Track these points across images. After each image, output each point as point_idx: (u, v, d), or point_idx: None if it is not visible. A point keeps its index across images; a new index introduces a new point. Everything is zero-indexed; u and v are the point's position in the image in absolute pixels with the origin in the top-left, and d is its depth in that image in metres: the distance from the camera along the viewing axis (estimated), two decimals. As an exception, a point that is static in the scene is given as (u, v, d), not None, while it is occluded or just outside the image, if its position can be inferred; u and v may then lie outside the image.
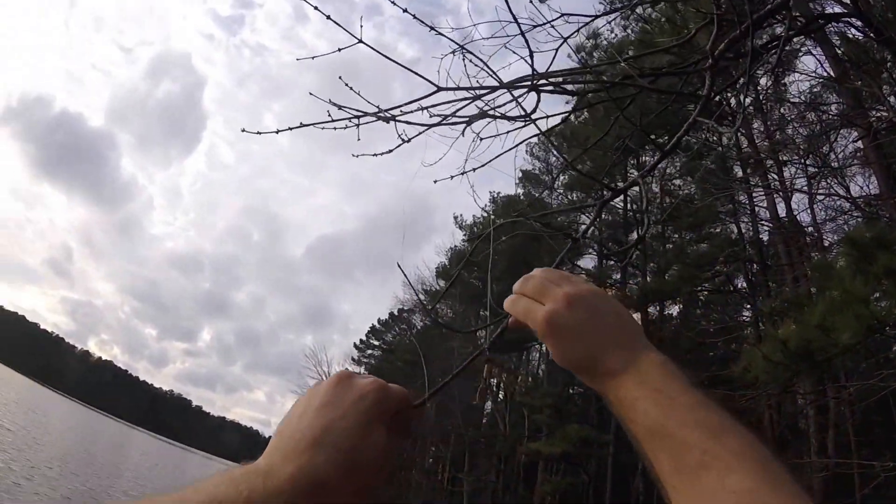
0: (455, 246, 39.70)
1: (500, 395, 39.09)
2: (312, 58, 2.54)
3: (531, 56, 2.76)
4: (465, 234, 37.32)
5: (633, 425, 0.68)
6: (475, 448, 34.89)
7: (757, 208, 18.07)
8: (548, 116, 2.96)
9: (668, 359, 0.72)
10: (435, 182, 3.04)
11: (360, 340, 57.85)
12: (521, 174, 31.93)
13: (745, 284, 20.69)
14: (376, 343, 56.20)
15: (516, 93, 2.79)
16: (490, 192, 34.52)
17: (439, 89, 2.61)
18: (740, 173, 18.04)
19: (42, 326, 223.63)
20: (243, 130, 2.43)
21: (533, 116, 2.83)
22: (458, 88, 2.68)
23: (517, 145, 3.09)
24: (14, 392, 44.32)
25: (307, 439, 0.62)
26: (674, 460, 0.61)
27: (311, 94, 2.38)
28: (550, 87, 3.15)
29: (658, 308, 25.44)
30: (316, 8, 2.27)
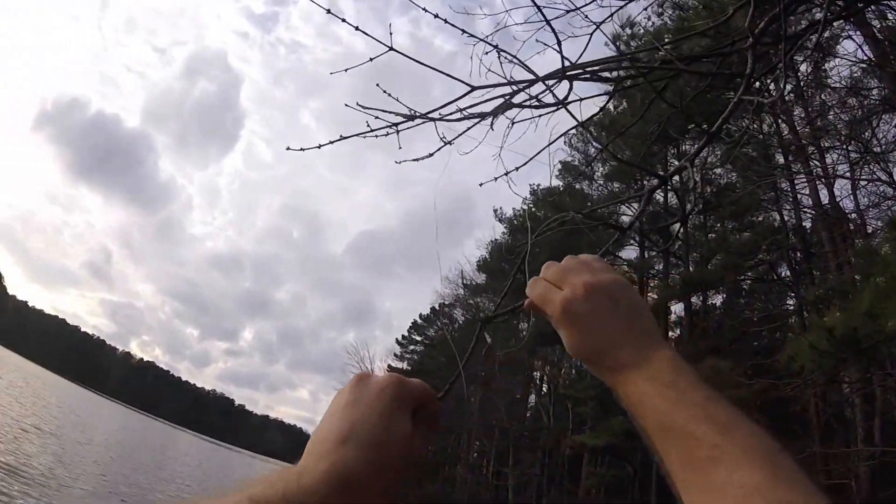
0: (495, 239, 39.66)
1: (544, 388, 39.23)
2: (346, 70, 2.55)
3: (559, 45, 2.73)
4: (505, 227, 37.24)
5: (643, 420, 0.69)
6: (519, 442, 34.92)
7: (799, 195, 17.91)
8: (581, 99, 2.92)
9: (679, 355, 0.72)
10: (481, 185, 3.05)
11: (402, 336, 58.42)
12: (560, 166, 31.81)
13: (788, 273, 20.46)
14: (418, 338, 56.64)
15: (549, 82, 2.76)
16: (530, 185, 34.47)
17: (473, 88, 2.60)
18: (782, 160, 17.86)
19: (83, 329, 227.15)
20: (288, 148, 2.44)
21: (566, 102, 2.79)
22: (493, 86, 2.67)
23: (556, 139, 3.03)
24: (56, 396, 45.36)
25: (335, 438, 0.66)
26: (683, 455, 0.62)
27: (346, 104, 2.42)
28: (586, 76, 3.11)
29: (701, 298, 25.26)
30: (343, 20, 2.32)
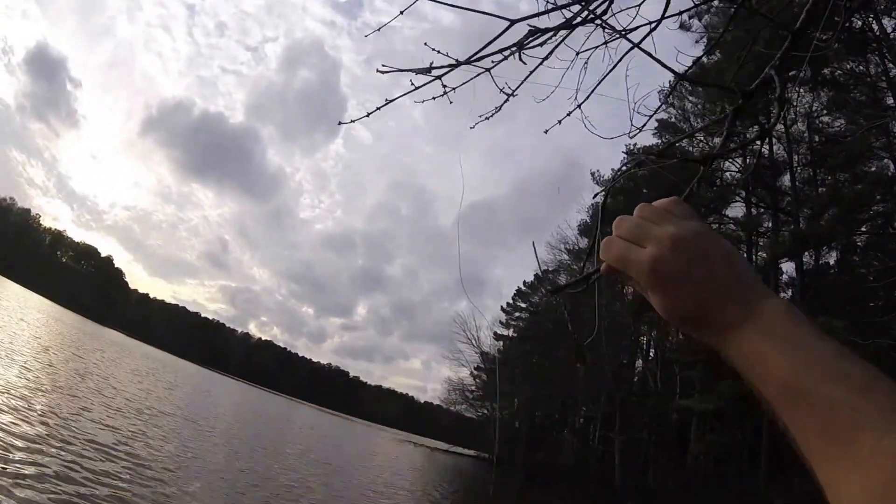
0: (596, 202, 39.13)
1: (651, 353, 38.60)
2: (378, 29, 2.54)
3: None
4: (602, 189, 36.74)
5: (762, 383, 0.60)
6: (626, 407, 34.59)
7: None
8: (652, 24, 2.53)
9: (792, 304, 0.63)
10: (546, 132, 2.90)
11: (507, 304, 58.87)
12: (656, 124, 30.83)
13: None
14: (523, 305, 56.85)
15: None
16: (626, 146, 33.80)
17: (513, 23, 2.36)
18: (892, 102, 16.62)
19: (203, 315, 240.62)
20: (340, 123, 2.66)
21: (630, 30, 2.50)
22: (541, 13, 2.39)
23: (620, 59, 2.66)
24: (182, 377, 48.72)
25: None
26: (818, 421, 0.54)
27: (378, 70, 2.38)
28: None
29: (813, 257, 24.00)
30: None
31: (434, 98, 2.51)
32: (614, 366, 35.11)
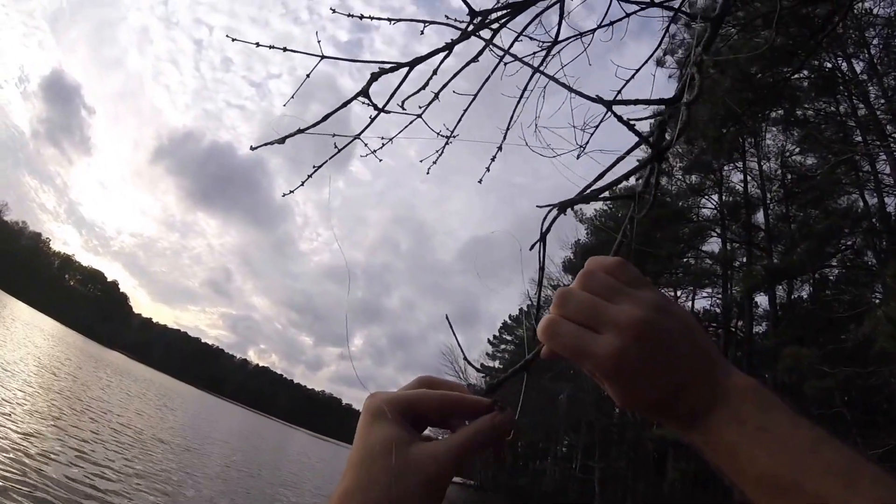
0: (578, 239, 39.63)
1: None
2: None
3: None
4: (586, 228, 37.22)
5: (738, 476, 0.55)
6: (606, 436, 34.91)
7: (880, 174, 17.39)
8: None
9: (757, 381, 0.59)
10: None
11: (494, 336, 59.63)
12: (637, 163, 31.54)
13: (874, 260, 19.75)
14: (509, 338, 57.48)
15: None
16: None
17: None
18: (860, 139, 17.42)
19: (203, 340, 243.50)
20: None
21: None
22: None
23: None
24: (179, 399, 48.91)
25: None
26: None
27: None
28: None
29: (786, 290, 24.69)
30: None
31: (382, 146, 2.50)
32: (594, 396, 35.45)
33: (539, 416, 40.04)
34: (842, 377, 16.36)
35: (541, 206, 1.24)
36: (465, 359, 1.14)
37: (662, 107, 1.58)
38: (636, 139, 1.41)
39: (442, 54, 2.28)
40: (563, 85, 1.50)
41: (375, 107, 2.20)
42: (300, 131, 2.22)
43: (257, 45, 2.10)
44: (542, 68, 2.59)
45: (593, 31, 2.78)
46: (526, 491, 40.33)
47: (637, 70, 2.73)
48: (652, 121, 1.52)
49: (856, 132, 17.62)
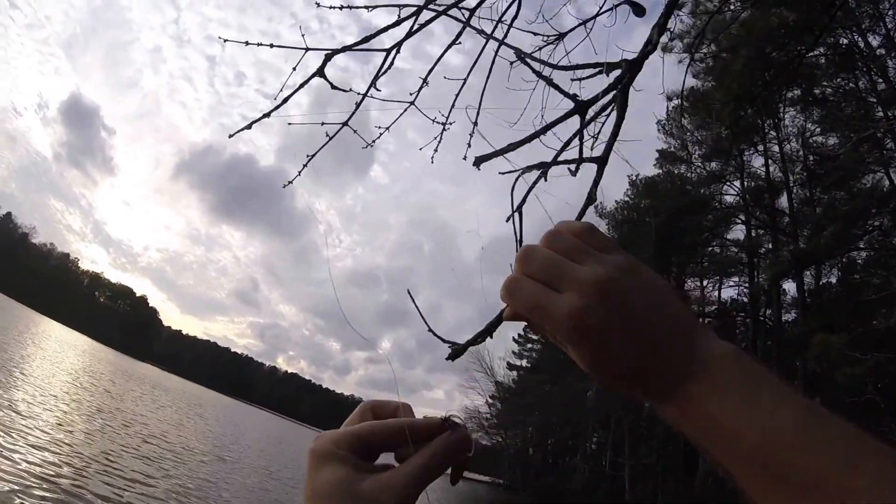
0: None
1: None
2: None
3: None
4: (606, 223, 36.89)
5: (719, 450, 0.51)
6: (636, 432, 34.43)
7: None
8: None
9: (738, 348, 0.53)
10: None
11: (518, 335, 59.20)
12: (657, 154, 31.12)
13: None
14: (535, 337, 57.12)
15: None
16: (628, 176, 33.98)
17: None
18: (881, 114, 16.81)
19: (233, 350, 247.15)
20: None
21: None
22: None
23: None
24: (210, 406, 49.97)
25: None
26: (802, 499, 0.45)
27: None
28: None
29: (814, 275, 24.06)
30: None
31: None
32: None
33: (567, 413, 39.70)
34: (873, 363, 15.86)
35: (503, 173, 1.39)
36: (430, 330, 1.11)
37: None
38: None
39: (401, 27, 2.33)
40: (537, 73, 1.66)
41: (332, 85, 2.27)
42: (265, 116, 2.31)
43: (246, 43, 2.19)
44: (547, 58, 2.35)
45: (594, 17, 2.62)
46: (556, 489, 39.93)
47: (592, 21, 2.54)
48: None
49: (877, 108, 16.98)
